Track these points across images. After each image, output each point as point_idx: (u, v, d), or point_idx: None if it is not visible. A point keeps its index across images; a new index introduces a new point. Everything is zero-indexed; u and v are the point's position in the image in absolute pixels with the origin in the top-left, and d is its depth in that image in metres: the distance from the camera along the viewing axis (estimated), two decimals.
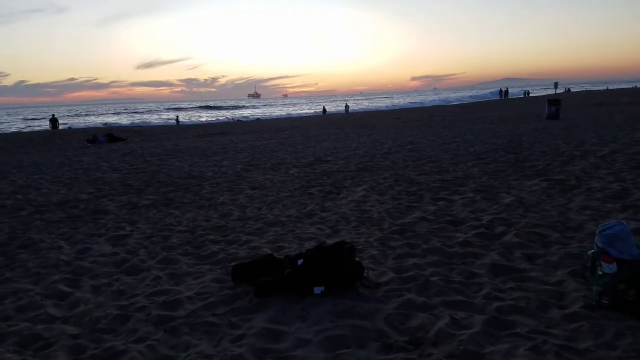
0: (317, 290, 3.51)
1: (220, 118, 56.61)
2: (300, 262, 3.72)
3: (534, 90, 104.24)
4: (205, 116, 64.65)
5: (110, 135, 22.02)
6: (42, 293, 4.07)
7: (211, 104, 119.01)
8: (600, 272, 3.22)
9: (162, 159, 13.47)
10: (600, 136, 12.38)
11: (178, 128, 34.72)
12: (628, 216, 5.16)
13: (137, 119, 62.48)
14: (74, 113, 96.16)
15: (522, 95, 71.27)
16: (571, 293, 3.40)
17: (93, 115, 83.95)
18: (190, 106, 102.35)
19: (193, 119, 57.47)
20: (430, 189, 7.24)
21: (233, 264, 4.29)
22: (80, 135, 25.72)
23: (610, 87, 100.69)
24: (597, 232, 3.33)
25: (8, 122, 62.53)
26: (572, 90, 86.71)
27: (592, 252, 3.44)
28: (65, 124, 45.76)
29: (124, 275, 4.40)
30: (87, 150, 17.71)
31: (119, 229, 6.08)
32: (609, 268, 3.17)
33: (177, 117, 52.31)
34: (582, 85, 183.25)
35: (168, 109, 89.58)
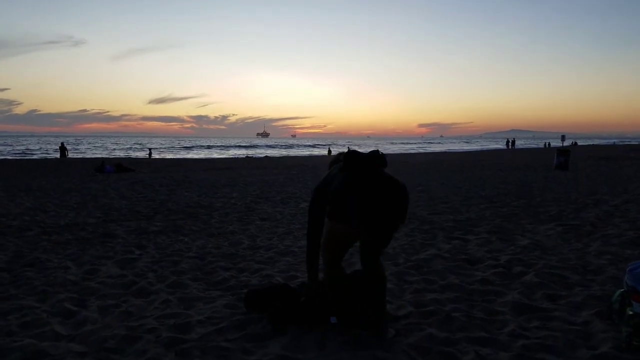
0: (334, 319, 3.37)
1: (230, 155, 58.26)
2: None
3: (540, 142, 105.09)
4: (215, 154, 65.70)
5: (119, 165, 22.07)
6: (47, 311, 3.94)
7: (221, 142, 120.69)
8: (630, 312, 3.09)
9: (171, 189, 13.45)
10: (610, 187, 12.29)
11: (186, 161, 34.91)
12: None
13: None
14: (83, 143, 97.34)
15: (543, 147, 73.66)
16: (598, 334, 3.26)
17: (102, 147, 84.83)
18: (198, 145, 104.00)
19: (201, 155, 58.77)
20: (443, 228, 7.13)
21: (246, 290, 4.17)
22: (88, 164, 25.85)
23: (617, 143, 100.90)
24: (626, 270, 3.22)
25: (18, 150, 63.41)
26: (579, 144, 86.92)
27: (621, 291, 3.31)
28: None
29: (132, 297, 4.28)
30: (95, 178, 17.71)
31: (128, 252, 5.98)
32: None
33: (150, 150, 55.30)
34: (588, 139, 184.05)
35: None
